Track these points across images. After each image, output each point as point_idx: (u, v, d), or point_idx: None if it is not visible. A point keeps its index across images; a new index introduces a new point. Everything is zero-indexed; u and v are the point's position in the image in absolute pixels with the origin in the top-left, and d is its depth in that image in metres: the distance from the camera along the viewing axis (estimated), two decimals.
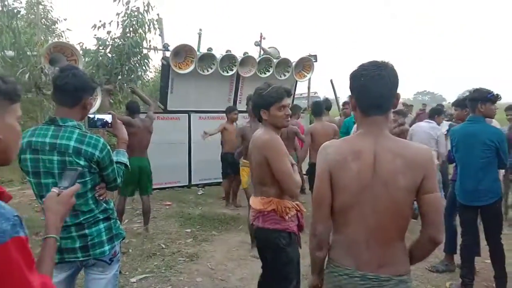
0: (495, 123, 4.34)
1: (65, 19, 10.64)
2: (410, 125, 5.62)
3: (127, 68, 6.03)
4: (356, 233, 1.46)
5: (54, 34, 10.29)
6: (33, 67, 5.39)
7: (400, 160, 1.41)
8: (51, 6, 10.57)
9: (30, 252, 0.94)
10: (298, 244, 2.36)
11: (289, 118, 2.34)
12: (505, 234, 3.44)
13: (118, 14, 5.87)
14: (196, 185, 7.39)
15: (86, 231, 1.92)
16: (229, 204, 6.12)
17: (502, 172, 4.20)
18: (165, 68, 6.98)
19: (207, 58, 6.95)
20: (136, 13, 5.92)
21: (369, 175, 1.42)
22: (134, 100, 5.65)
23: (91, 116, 2.05)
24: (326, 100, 7.61)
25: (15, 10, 5.71)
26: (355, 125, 5.00)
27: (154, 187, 7.02)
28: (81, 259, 1.94)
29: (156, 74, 13.39)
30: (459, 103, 3.96)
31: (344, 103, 6.61)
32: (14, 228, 0.90)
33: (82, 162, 1.85)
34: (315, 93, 10.96)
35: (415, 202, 1.47)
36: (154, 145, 6.98)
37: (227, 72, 7.13)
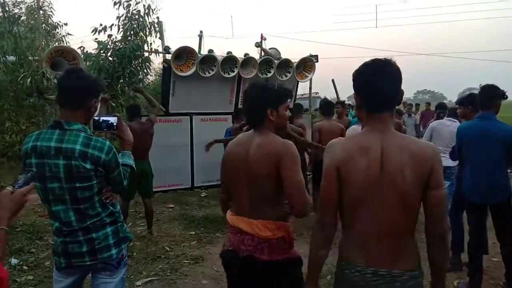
0: None
1: (65, 24, 10.66)
2: (423, 126, 5.53)
3: (128, 72, 6.04)
4: (366, 229, 1.45)
5: (55, 39, 10.30)
6: (35, 72, 5.40)
7: (407, 154, 1.42)
8: (51, 11, 10.62)
9: None
10: None
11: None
12: None
13: (118, 17, 5.88)
14: (199, 187, 7.38)
15: (93, 235, 1.91)
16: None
17: None
18: (167, 71, 6.98)
19: (208, 60, 6.94)
20: (137, 16, 5.94)
21: (377, 170, 1.43)
22: (136, 103, 5.64)
23: (96, 118, 2.05)
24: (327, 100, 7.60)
25: (16, 16, 5.73)
26: (353, 126, 4.99)
27: (157, 189, 7.05)
28: (88, 263, 1.93)
29: (157, 77, 13.42)
30: (463, 101, 3.95)
31: (337, 103, 6.53)
32: None
33: (88, 166, 1.84)
34: (317, 93, 10.96)
35: None
36: (156, 148, 6.96)
37: (228, 74, 7.12)
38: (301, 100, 9.55)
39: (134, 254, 4.24)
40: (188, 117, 7.27)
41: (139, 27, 5.95)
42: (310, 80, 8.48)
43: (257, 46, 7.96)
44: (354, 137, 1.57)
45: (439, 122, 5.01)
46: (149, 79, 11.74)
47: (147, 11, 5.96)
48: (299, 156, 1.86)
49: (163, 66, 7.09)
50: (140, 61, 6.18)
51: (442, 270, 1.54)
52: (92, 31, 5.87)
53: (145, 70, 6.28)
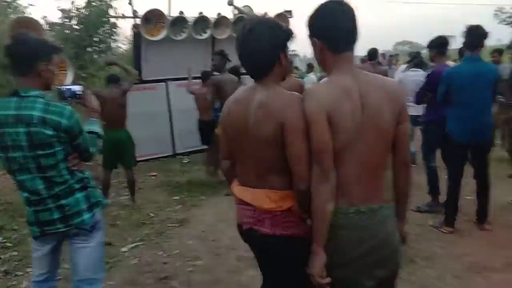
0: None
1: None
2: None
3: (96, 40, 5.81)
4: (349, 171, 1.45)
5: (15, 11, 9.77)
6: None
7: (381, 92, 1.46)
8: None
9: None
10: None
11: None
12: None
13: None
14: (181, 153, 7.34)
15: (63, 201, 1.89)
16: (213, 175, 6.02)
17: None
18: (137, 36, 6.71)
19: (179, 22, 6.70)
20: None
21: (359, 112, 1.43)
22: (113, 73, 5.39)
23: (61, 88, 2.02)
24: None
25: None
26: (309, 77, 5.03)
27: (139, 159, 6.99)
28: (62, 229, 1.92)
29: (130, 45, 12.97)
30: (429, 44, 3.98)
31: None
32: None
33: (49, 132, 1.79)
34: (294, 51, 10.78)
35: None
36: (133, 117, 6.86)
37: (201, 35, 6.91)
38: None
39: (118, 223, 4.25)
40: (164, 83, 7.11)
41: None
42: None
43: (229, 5, 7.67)
44: (333, 80, 1.49)
45: (405, 74, 5.33)
46: (122, 48, 11.35)
47: None
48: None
49: (133, 31, 6.81)
50: (106, 27, 5.94)
51: (405, 195, 1.61)
52: None
53: (113, 37, 6.03)
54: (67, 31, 5.68)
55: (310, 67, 11.20)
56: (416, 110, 4.30)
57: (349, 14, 1.47)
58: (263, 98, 1.50)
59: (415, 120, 4.37)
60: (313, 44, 1.53)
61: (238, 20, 7.27)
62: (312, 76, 10.27)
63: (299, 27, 1.86)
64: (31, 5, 10.13)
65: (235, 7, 7.64)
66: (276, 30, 1.53)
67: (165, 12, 6.63)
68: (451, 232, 3.49)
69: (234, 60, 3.65)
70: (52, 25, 5.78)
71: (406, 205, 1.63)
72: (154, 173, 6.28)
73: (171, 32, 6.60)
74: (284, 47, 1.57)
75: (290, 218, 1.54)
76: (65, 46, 5.49)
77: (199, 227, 4.01)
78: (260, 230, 1.56)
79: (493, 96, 3.47)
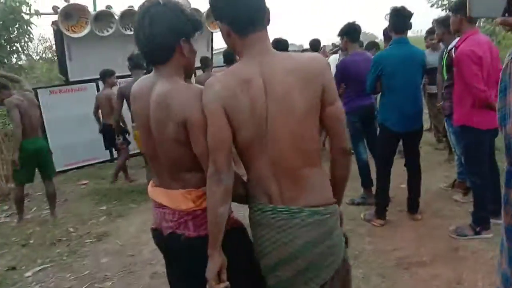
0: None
1: None
2: None
3: (5, 38, 5.25)
4: (261, 167, 1.33)
5: None
6: None
7: (292, 75, 1.26)
8: None
9: None
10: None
11: None
12: None
13: None
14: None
15: None
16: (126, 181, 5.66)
17: None
18: (58, 34, 6.20)
19: (105, 17, 6.24)
20: None
21: (262, 102, 1.26)
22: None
23: None
24: None
25: None
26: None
27: (70, 167, 6.51)
28: None
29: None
30: (339, 32, 3.79)
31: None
32: None
33: None
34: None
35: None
36: (61, 122, 6.38)
37: (130, 31, 6.46)
38: (219, 55, 9.06)
39: (31, 242, 3.82)
40: (94, 83, 6.61)
41: None
42: None
43: None
44: (233, 70, 1.32)
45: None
46: (40, 47, 10.56)
47: None
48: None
49: (53, 29, 6.26)
50: (18, 26, 5.37)
51: (342, 184, 1.46)
52: None
53: (27, 36, 5.48)
54: None
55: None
56: None
57: None
58: (161, 95, 1.36)
59: None
60: (220, 30, 1.36)
61: None
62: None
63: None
64: None
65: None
66: (179, 16, 1.38)
67: (90, 6, 6.15)
68: (382, 225, 3.35)
69: None
70: None
71: (340, 191, 1.46)
72: (85, 181, 5.81)
73: (96, 28, 6.13)
74: (188, 36, 1.41)
75: None
76: None
77: (120, 241, 3.65)
78: (184, 234, 1.42)
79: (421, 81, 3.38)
